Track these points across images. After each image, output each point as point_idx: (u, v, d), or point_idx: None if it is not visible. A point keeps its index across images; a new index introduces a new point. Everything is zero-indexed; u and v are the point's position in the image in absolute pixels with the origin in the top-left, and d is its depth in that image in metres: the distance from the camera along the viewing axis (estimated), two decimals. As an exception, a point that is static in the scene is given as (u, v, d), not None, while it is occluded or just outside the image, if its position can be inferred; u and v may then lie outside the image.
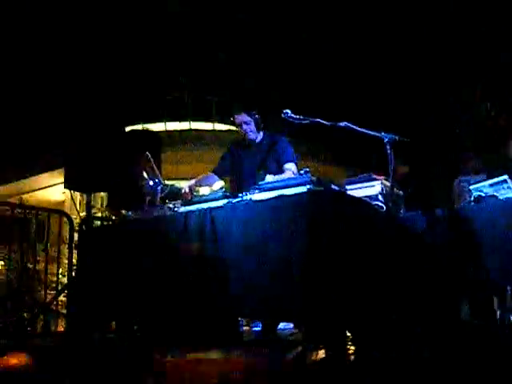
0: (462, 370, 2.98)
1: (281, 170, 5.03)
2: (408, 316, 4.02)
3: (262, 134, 5.29)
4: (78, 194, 7.75)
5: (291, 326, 5.18)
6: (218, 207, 4.30)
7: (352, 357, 3.08)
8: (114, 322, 5.49)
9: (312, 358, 3.24)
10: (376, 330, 3.80)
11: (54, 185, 15.21)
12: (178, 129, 17.64)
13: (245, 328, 5.85)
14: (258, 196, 4.19)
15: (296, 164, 5.10)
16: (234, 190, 5.18)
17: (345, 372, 2.96)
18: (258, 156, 5.21)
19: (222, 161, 5.49)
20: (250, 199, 4.20)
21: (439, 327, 4.02)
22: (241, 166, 5.30)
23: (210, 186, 5.35)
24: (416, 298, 4.14)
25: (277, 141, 5.24)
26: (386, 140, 4.41)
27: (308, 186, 3.95)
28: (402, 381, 2.84)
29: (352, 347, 3.52)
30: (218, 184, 5.35)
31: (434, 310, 4.16)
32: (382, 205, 4.54)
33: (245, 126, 5.19)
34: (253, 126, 5.19)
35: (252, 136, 5.23)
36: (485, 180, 4.65)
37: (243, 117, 5.19)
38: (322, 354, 3.31)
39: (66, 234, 6.76)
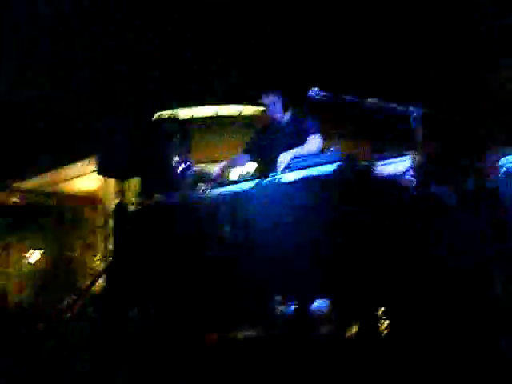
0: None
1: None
2: (440, 291, 4.02)
3: (289, 114, 5.29)
4: (111, 182, 7.88)
5: (325, 305, 5.22)
6: (248, 189, 4.34)
7: (385, 331, 3.11)
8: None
9: (345, 334, 3.28)
10: (409, 304, 3.82)
11: (87, 173, 15.39)
12: (206, 113, 17.68)
13: (280, 307, 5.89)
14: (288, 176, 4.21)
15: (320, 138, 5.08)
16: (264, 171, 5.21)
17: (376, 347, 2.99)
18: (284, 137, 5.22)
19: (252, 142, 5.52)
20: (279, 180, 4.23)
21: (473, 302, 4.01)
22: (270, 147, 5.32)
23: (242, 166, 5.38)
24: (448, 273, 4.13)
25: (302, 119, 5.23)
26: (414, 115, 4.39)
27: (337, 164, 3.97)
28: (434, 356, 2.86)
29: (385, 322, 3.55)
30: (250, 165, 5.38)
31: (466, 285, 4.15)
32: (413, 179, 4.53)
33: (272, 108, 5.21)
34: (279, 107, 5.20)
35: (278, 118, 5.24)
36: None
37: (270, 98, 5.20)
38: (355, 329, 3.35)
39: (101, 221, 6.88)
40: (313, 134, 5.06)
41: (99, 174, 6.15)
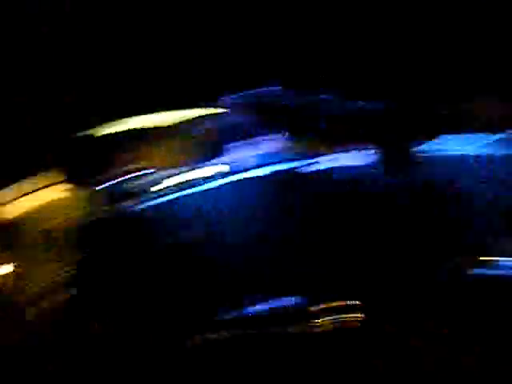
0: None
1: None
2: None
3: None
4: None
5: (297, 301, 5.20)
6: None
7: (358, 325, 3.10)
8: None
9: (318, 330, 3.27)
10: (384, 297, 3.81)
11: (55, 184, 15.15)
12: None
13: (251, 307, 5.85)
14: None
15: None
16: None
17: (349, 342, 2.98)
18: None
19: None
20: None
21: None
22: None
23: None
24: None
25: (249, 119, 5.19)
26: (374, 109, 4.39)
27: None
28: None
29: (360, 316, 3.54)
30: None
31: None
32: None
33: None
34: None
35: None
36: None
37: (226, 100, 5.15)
38: (328, 324, 3.34)
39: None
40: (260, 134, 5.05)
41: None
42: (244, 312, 5.10)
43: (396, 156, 5.04)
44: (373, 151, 4.71)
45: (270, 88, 4.76)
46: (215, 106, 5.45)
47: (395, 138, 4.84)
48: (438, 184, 4.24)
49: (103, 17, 6.56)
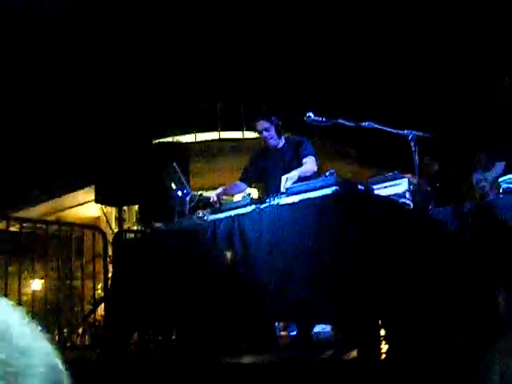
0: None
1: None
2: (443, 313, 3.99)
3: (283, 138, 5.29)
4: (112, 209, 7.87)
5: (328, 329, 5.18)
6: (246, 213, 4.34)
7: (383, 355, 3.07)
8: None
9: (345, 358, 3.25)
10: (410, 328, 3.79)
11: (89, 201, 15.43)
12: (208, 139, 17.75)
13: (282, 333, 5.86)
14: (285, 200, 4.21)
15: (316, 159, 5.10)
16: (263, 194, 5.21)
17: (376, 371, 2.96)
18: (281, 161, 5.22)
19: (246, 169, 5.53)
20: (277, 203, 4.22)
21: (476, 322, 3.98)
22: (266, 172, 5.31)
23: (241, 193, 5.39)
24: (450, 293, 4.11)
25: (298, 142, 5.24)
26: (410, 137, 4.41)
27: (334, 188, 3.96)
28: (435, 380, 2.83)
29: (385, 346, 3.51)
30: (248, 191, 5.38)
31: (469, 305, 4.12)
32: (410, 202, 4.52)
33: (265, 133, 5.20)
34: (273, 132, 5.19)
35: (273, 142, 5.23)
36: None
37: (263, 123, 5.20)
38: (354, 353, 3.31)
39: (100, 249, 6.87)
40: (308, 155, 5.08)
41: (96, 202, 6.17)
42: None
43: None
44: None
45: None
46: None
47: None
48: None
49: None
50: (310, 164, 4.96)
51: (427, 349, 3.39)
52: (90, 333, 7.09)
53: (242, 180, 5.49)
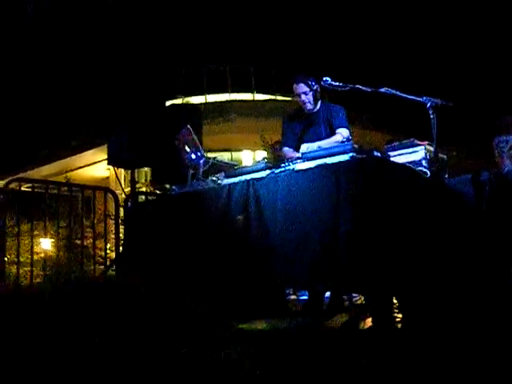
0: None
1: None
2: (456, 283, 3.97)
3: (319, 104, 5.21)
4: (122, 170, 7.84)
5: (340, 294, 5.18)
6: (261, 178, 4.30)
7: (399, 325, 3.06)
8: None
9: (360, 327, 3.24)
10: (424, 297, 3.77)
11: (99, 161, 15.40)
12: (218, 100, 17.63)
13: (292, 297, 5.87)
14: (301, 166, 4.17)
15: (349, 129, 5.04)
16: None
17: (391, 340, 2.95)
18: (315, 126, 5.13)
19: (290, 133, 5.31)
20: (293, 169, 4.18)
21: (489, 293, 3.96)
22: (300, 137, 5.21)
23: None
24: (464, 263, 4.08)
25: (333, 110, 5.16)
26: (429, 105, 4.33)
27: (350, 154, 3.93)
28: (448, 350, 2.82)
29: (399, 315, 3.50)
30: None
31: (483, 276, 4.10)
32: (426, 170, 4.47)
33: (303, 97, 5.10)
34: (311, 97, 5.09)
35: (310, 106, 5.13)
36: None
37: (302, 87, 5.10)
38: (369, 322, 3.31)
39: (111, 209, 6.86)
40: (341, 127, 5.02)
41: (109, 163, 6.13)
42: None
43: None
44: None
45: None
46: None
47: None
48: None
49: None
50: (340, 137, 4.87)
51: (440, 320, 3.38)
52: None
53: (290, 145, 5.33)
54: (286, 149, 5.24)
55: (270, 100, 17.34)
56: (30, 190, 6.71)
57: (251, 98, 17.98)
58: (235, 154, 15.84)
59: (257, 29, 16.13)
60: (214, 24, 16.09)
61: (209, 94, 17.92)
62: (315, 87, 5.04)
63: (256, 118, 14.95)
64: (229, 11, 15.77)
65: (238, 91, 17.99)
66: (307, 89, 5.06)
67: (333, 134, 4.98)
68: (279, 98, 17.19)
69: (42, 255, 8.17)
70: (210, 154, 5.24)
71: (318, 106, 5.18)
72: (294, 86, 5.14)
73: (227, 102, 17.46)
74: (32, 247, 6.42)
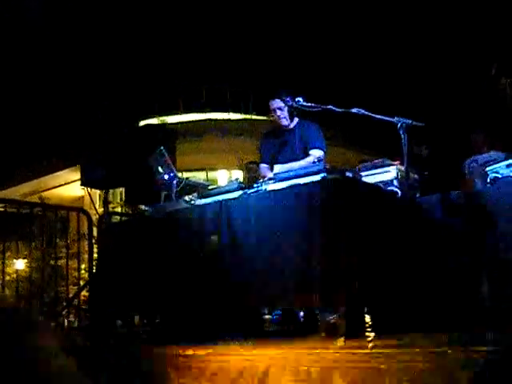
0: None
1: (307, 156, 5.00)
2: (427, 300, 4.01)
3: (296, 121, 5.23)
4: (96, 190, 7.81)
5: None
6: (234, 199, 4.32)
7: (370, 344, 3.08)
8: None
9: (331, 346, 3.26)
10: (395, 316, 3.81)
11: (73, 181, 15.32)
12: (194, 119, 17.67)
13: (266, 317, 5.86)
14: (273, 186, 4.19)
15: (324, 151, 5.07)
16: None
17: (362, 360, 2.97)
18: (290, 145, 5.15)
19: (267, 151, 5.36)
20: (265, 189, 4.21)
21: (460, 310, 4.01)
22: (277, 154, 5.22)
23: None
24: (435, 281, 4.13)
25: (308, 128, 5.19)
26: (400, 125, 4.39)
27: (322, 175, 3.96)
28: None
29: (371, 334, 3.52)
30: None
31: (453, 293, 4.15)
32: (397, 190, 4.53)
33: (278, 112, 5.12)
34: (286, 113, 5.12)
35: (285, 122, 5.15)
36: (501, 161, 4.60)
37: (277, 102, 5.13)
38: (340, 341, 3.32)
39: (85, 229, 6.81)
40: (316, 148, 5.05)
41: (82, 184, 6.11)
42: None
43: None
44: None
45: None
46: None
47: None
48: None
49: None
50: (312, 158, 4.89)
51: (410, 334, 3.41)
52: (74, 314, 7.06)
53: (266, 162, 5.35)
54: (262, 165, 5.27)
55: (245, 119, 17.44)
56: (2, 209, 6.66)
57: (227, 118, 18.05)
58: (210, 174, 15.85)
59: (233, 50, 16.23)
60: (190, 44, 16.17)
61: (185, 113, 17.96)
62: (290, 103, 5.06)
63: (232, 138, 15.02)
64: (206, 32, 15.86)
65: (213, 111, 18.06)
66: (282, 104, 5.10)
67: (307, 153, 5.02)
68: (254, 117, 17.28)
69: (14, 276, 8.07)
70: (185, 174, 5.26)
71: (295, 123, 5.21)
72: (270, 101, 5.18)
73: (203, 120, 17.51)
74: (3, 267, 6.34)
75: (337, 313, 3.71)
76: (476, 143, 6.20)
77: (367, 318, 3.77)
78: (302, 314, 4.96)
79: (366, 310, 3.78)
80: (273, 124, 5.39)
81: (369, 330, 3.64)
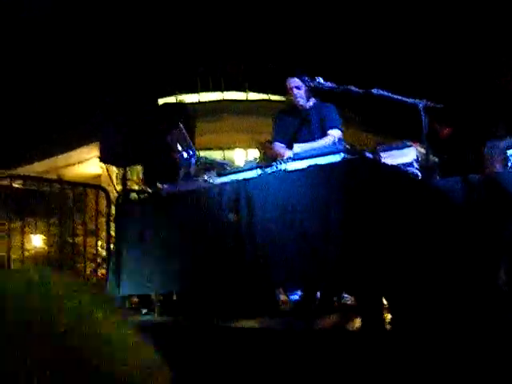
0: (499, 341, 2.95)
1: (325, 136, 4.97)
2: (445, 284, 3.99)
3: (312, 101, 5.20)
4: (114, 168, 7.84)
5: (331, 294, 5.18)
6: (252, 178, 4.31)
7: (388, 326, 3.08)
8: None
9: (349, 327, 3.26)
10: (413, 298, 3.79)
11: (91, 158, 15.34)
12: (211, 99, 17.63)
13: (282, 297, 5.87)
14: (292, 166, 4.18)
15: (341, 130, 5.05)
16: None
17: (380, 341, 2.97)
18: (309, 125, 5.12)
19: (282, 129, 5.31)
20: (284, 169, 4.19)
21: (477, 294, 3.98)
22: (294, 135, 5.19)
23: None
24: (453, 264, 4.10)
25: (325, 109, 5.16)
26: (420, 106, 4.34)
27: (342, 155, 3.94)
28: (436, 350, 2.84)
29: (388, 315, 3.52)
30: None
31: (471, 277, 4.12)
32: (417, 172, 4.49)
33: (295, 91, 5.08)
34: (303, 92, 5.09)
35: (302, 102, 5.11)
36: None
37: (294, 81, 5.09)
38: (358, 322, 3.33)
39: (103, 207, 6.85)
40: (334, 127, 5.02)
41: (101, 161, 6.13)
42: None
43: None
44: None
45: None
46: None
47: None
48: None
49: None
50: (332, 138, 4.86)
51: (429, 319, 3.40)
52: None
53: (278, 141, 5.28)
54: (276, 143, 5.24)
55: (263, 100, 17.36)
56: (21, 186, 6.70)
57: (244, 98, 17.99)
58: (227, 153, 15.84)
59: (250, 28, 16.12)
60: (207, 23, 16.08)
61: (202, 92, 17.92)
62: (308, 83, 5.02)
63: (249, 118, 14.98)
64: (223, 11, 15.76)
65: (231, 90, 18.00)
66: (300, 83, 5.05)
67: (325, 134, 4.99)
68: (272, 97, 17.21)
69: (33, 252, 8.16)
70: (202, 153, 5.25)
71: (311, 103, 5.17)
72: (288, 80, 5.14)
73: (220, 101, 17.47)
74: (22, 243, 6.40)
75: (353, 295, 3.71)
76: (498, 130, 6.11)
77: (384, 301, 3.77)
78: (318, 294, 4.97)
79: (383, 292, 3.78)
80: (287, 103, 5.37)
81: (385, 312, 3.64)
